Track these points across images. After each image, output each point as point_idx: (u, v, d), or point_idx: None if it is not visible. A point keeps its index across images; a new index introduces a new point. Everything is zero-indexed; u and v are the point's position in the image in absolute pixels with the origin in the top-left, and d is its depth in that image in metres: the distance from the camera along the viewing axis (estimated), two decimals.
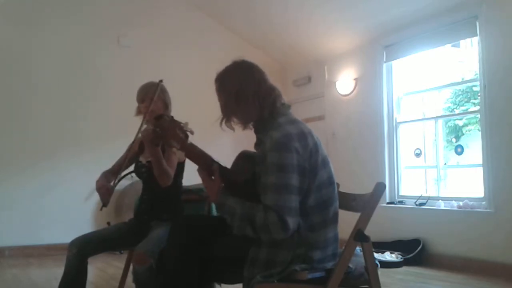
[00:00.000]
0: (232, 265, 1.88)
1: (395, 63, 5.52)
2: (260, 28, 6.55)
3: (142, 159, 2.71)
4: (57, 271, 2.67)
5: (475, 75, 4.86)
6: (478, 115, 4.66)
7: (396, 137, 5.49)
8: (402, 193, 5.42)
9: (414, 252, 4.73)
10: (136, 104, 2.72)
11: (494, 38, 4.32)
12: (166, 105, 2.69)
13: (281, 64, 7.08)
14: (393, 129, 5.50)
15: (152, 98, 2.57)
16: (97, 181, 2.56)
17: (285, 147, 1.70)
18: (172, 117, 1.98)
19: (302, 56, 6.66)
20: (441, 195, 5.06)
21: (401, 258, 4.66)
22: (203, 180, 1.90)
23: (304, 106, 6.56)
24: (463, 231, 4.48)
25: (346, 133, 6.03)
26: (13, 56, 5.73)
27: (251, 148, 1.98)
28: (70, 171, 5.79)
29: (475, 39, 4.59)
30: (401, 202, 5.27)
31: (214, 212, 2.78)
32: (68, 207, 5.74)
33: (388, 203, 5.32)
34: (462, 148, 6.78)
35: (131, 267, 2.58)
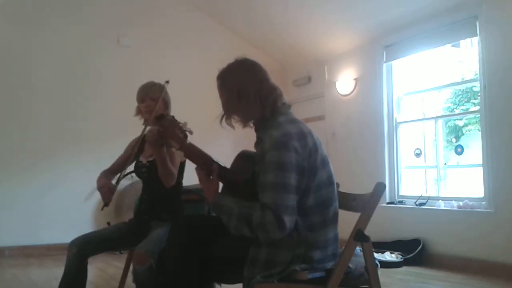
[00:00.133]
0: (232, 265, 1.88)
1: (395, 63, 5.52)
2: (260, 28, 6.55)
3: (143, 159, 2.71)
4: (57, 271, 2.67)
5: (475, 75, 4.86)
6: (478, 115, 4.66)
7: (396, 137, 5.49)
8: (402, 193, 5.42)
9: (414, 252, 4.73)
10: (136, 104, 2.72)
11: (494, 38, 4.32)
12: (166, 104, 2.69)
13: (281, 64, 7.08)
14: (393, 129, 5.50)
15: (159, 97, 2.58)
16: (98, 180, 2.56)
17: (285, 146, 1.70)
18: (173, 116, 1.99)
19: (302, 56, 6.66)
20: (441, 195, 5.06)
21: (401, 258, 4.66)
22: (200, 180, 1.90)
23: (304, 106, 6.56)
24: (463, 231, 4.48)
25: (346, 133, 6.03)
26: (13, 56, 5.73)
27: (250, 148, 1.98)
28: (70, 171, 5.80)
29: (475, 39, 4.59)
30: (401, 202, 5.27)
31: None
32: (68, 207, 5.74)
33: (388, 203, 5.32)
34: (462, 148, 6.78)
35: (131, 267, 2.58)
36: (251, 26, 6.59)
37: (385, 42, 5.49)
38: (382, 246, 4.98)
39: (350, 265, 1.82)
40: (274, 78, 1.97)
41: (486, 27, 4.37)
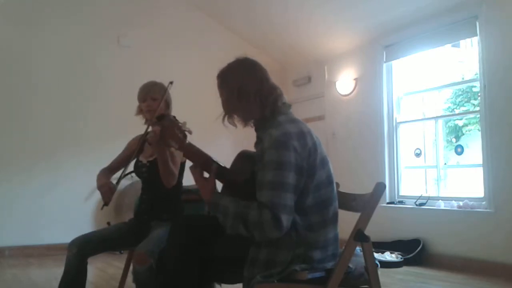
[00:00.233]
0: (232, 265, 1.88)
1: (395, 63, 5.52)
2: (260, 28, 6.55)
3: (143, 159, 2.71)
4: (57, 271, 2.67)
5: (475, 75, 4.85)
6: (478, 115, 4.66)
7: (396, 137, 5.49)
8: (402, 193, 5.42)
9: (414, 252, 4.73)
10: (136, 103, 2.72)
11: (494, 38, 4.32)
12: (167, 104, 2.69)
13: (281, 64, 7.08)
14: (393, 129, 5.50)
15: (160, 97, 2.58)
16: (98, 179, 2.56)
17: (284, 145, 1.70)
18: (174, 117, 1.99)
19: (302, 56, 6.66)
20: (441, 195, 5.06)
21: (401, 258, 4.66)
22: (195, 179, 1.90)
23: (304, 106, 6.56)
24: (463, 231, 4.48)
25: (346, 133, 6.03)
26: (13, 56, 5.73)
27: (250, 148, 1.98)
28: (70, 171, 5.80)
29: (475, 39, 4.59)
30: (401, 202, 5.27)
31: None
32: (68, 207, 5.74)
33: (388, 203, 5.32)
34: (462, 148, 6.78)
35: (131, 267, 2.58)
36: (251, 26, 6.59)
37: (385, 42, 5.49)
38: (382, 246, 4.98)
39: (350, 265, 1.82)
40: (274, 78, 1.97)
41: (486, 27, 4.37)
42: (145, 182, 2.74)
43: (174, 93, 2.76)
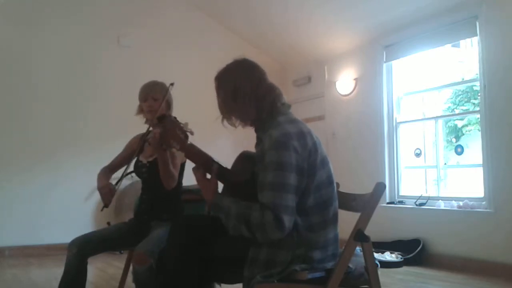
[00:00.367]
0: (232, 265, 1.88)
1: (395, 63, 5.52)
2: (260, 28, 6.55)
3: (143, 159, 2.71)
4: (57, 271, 2.67)
5: (475, 75, 4.85)
6: (478, 115, 4.66)
7: (396, 137, 5.49)
8: (402, 193, 5.42)
9: (414, 252, 4.73)
10: (136, 103, 2.72)
11: (494, 38, 4.32)
12: (168, 105, 2.69)
13: (281, 64, 7.08)
14: (393, 129, 5.50)
15: (160, 97, 2.58)
16: (99, 180, 2.56)
17: (284, 146, 1.70)
18: (175, 117, 1.98)
19: (302, 56, 6.66)
20: (441, 195, 5.06)
21: (401, 258, 4.66)
22: (197, 180, 1.90)
23: (304, 106, 6.56)
24: (463, 231, 4.48)
25: (346, 133, 6.03)
26: (13, 56, 5.73)
27: (251, 148, 1.98)
28: (70, 171, 5.80)
29: (475, 39, 4.59)
30: (401, 202, 5.27)
31: None
32: (68, 207, 5.74)
33: (388, 203, 5.32)
34: (462, 148, 6.77)
35: (131, 267, 2.58)
36: (251, 26, 6.59)
37: (385, 42, 5.49)
38: (382, 246, 4.98)
39: (350, 265, 1.82)
40: (274, 78, 1.97)
41: (486, 27, 4.37)
42: (145, 182, 2.74)
43: (174, 93, 2.76)
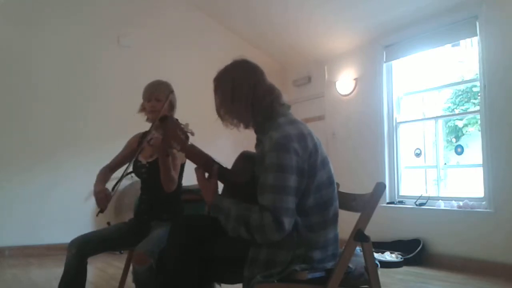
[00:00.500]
0: (232, 265, 1.88)
1: (395, 63, 5.52)
2: (260, 28, 6.54)
3: (142, 159, 2.71)
4: (57, 271, 2.67)
5: (475, 75, 4.85)
6: (478, 115, 4.66)
7: (396, 137, 5.49)
8: (402, 193, 5.42)
9: (414, 252, 4.73)
10: (136, 103, 2.72)
11: (494, 38, 4.32)
12: (172, 106, 2.69)
13: (281, 64, 7.08)
14: (393, 129, 5.50)
15: (164, 98, 2.58)
16: (96, 184, 2.56)
17: (284, 148, 1.70)
18: (177, 119, 1.98)
19: (302, 56, 6.66)
20: (441, 195, 5.06)
21: (401, 258, 4.66)
22: (198, 180, 1.90)
23: (304, 106, 6.56)
24: (463, 231, 4.48)
25: (346, 133, 6.03)
26: (13, 56, 5.74)
27: (251, 148, 1.98)
28: (70, 171, 5.80)
29: (475, 39, 4.59)
30: (401, 202, 5.27)
31: None
32: (68, 207, 5.74)
33: (388, 203, 5.32)
34: (462, 148, 6.76)
35: (131, 267, 2.58)
36: (251, 26, 6.59)
37: (385, 42, 5.49)
38: (382, 246, 4.98)
39: (350, 265, 1.82)
40: (274, 78, 1.97)
41: (486, 27, 4.37)
42: (144, 182, 2.74)
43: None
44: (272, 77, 1.97)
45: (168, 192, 2.51)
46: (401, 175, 5.47)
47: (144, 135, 2.79)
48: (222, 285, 2.29)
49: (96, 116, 6.01)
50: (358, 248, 1.85)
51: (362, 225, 1.78)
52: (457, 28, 4.70)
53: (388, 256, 4.71)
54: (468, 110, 8.10)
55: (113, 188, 2.56)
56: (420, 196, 5.06)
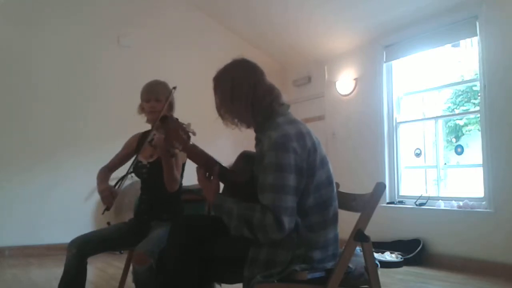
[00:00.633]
0: (232, 265, 1.88)
1: (395, 63, 5.52)
2: (260, 28, 6.54)
3: (142, 159, 2.71)
4: (57, 271, 2.67)
5: (475, 75, 4.85)
6: (478, 115, 4.66)
7: (396, 137, 5.49)
8: (402, 193, 5.42)
9: (414, 252, 4.73)
10: (136, 104, 2.72)
11: (494, 38, 4.32)
12: (171, 106, 2.68)
13: (281, 64, 7.08)
14: (393, 129, 5.50)
15: (163, 99, 2.57)
16: (99, 182, 2.55)
17: (283, 147, 1.70)
18: (177, 119, 1.98)
19: (302, 56, 6.66)
20: (441, 195, 5.06)
21: (401, 258, 4.66)
22: (199, 179, 1.90)
23: (304, 106, 6.56)
24: (463, 231, 4.48)
25: (346, 133, 6.03)
26: (13, 56, 5.74)
27: (251, 148, 1.98)
28: (70, 171, 5.80)
29: (475, 39, 4.59)
30: (401, 202, 5.27)
31: None
32: (68, 207, 5.74)
33: (388, 203, 5.32)
34: (462, 148, 6.76)
35: (131, 267, 2.58)
36: (251, 26, 6.59)
37: (385, 42, 5.49)
38: (382, 246, 4.98)
39: (350, 265, 1.82)
40: (274, 78, 1.97)
41: (486, 27, 4.37)
42: (144, 182, 2.74)
43: (174, 94, 2.75)
44: (272, 77, 1.97)
45: (171, 191, 2.51)
46: (401, 175, 5.47)
47: (143, 135, 2.79)
48: (222, 285, 2.29)
49: (96, 116, 6.01)
50: (358, 248, 1.85)
51: (362, 225, 1.78)
52: (457, 28, 4.70)
53: (388, 256, 4.71)
54: (468, 110, 8.10)
55: (115, 185, 2.56)
56: (420, 196, 5.06)
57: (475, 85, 5.33)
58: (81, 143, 5.90)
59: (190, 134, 1.93)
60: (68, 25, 5.97)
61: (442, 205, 4.78)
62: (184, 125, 1.94)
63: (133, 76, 5.77)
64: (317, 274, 1.77)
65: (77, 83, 5.96)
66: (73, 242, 2.43)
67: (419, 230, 4.89)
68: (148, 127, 2.79)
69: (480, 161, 4.50)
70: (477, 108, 5.08)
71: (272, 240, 1.70)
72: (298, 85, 6.86)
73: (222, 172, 1.90)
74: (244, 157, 1.98)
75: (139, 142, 2.76)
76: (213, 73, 1.98)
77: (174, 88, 2.61)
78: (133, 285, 2.39)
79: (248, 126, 1.93)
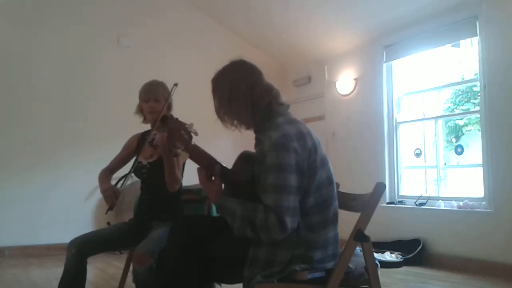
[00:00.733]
0: (232, 265, 1.88)
1: (395, 63, 5.52)
2: (260, 28, 6.54)
3: (142, 160, 2.71)
4: (57, 271, 2.67)
5: (475, 75, 4.85)
6: (478, 115, 4.66)
7: (396, 137, 5.49)
8: (402, 193, 5.42)
9: (414, 252, 4.73)
10: (137, 102, 2.71)
11: (494, 38, 4.32)
12: (169, 106, 2.68)
13: (281, 64, 7.08)
14: (393, 129, 5.50)
15: (162, 99, 2.57)
16: (101, 183, 2.55)
17: (284, 147, 1.70)
18: (177, 118, 1.98)
19: (302, 56, 6.66)
20: (441, 195, 5.06)
21: (401, 258, 4.66)
22: (201, 180, 1.90)
23: (304, 106, 6.56)
24: (463, 231, 4.48)
25: (346, 133, 6.03)
26: (13, 56, 5.74)
27: (251, 148, 1.98)
28: (70, 171, 5.80)
29: (475, 39, 4.59)
30: (401, 202, 5.27)
31: (214, 212, 2.78)
32: (68, 207, 5.74)
33: (388, 203, 5.32)
34: (462, 148, 6.76)
35: (131, 267, 2.58)
36: (251, 26, 6.59)
37: (385, 42, 5.49)
38: (382, 246, 4.98)
39: (350, 265, 1.82)
40: (274, 78, 1.97)
41: (486, 27, 4.37)
42: (144, 182, 2.74)
43: (174, 93, 2.75)
44: (272, 77, 1.97)
45: (172, 191, 2.51)
46: (401, 175, 5.47)
47: (143, 135, 2.79)
48: (222, 285, 2.29)
49: (96, 116, 6.01)
50: (358, 248, 1.85)
51: (362, 225, 1.78)
52: (457, 28, 4.70)
53: (388, 256, 4.71)
54: (468, 110, 8.10)
55: (116, 184, 2.56)
56: (420, 196, 5.06)
57: (475, 85, 5.33)
58: (81, 143, 5.90)
59: (192, 134, 1.93)
60: (68, 25, 5.97)
61: (442, 205, 4.79)
62: (186, 125, 1.94)
63: (133, 76, 5.76)
64: (317, 274, 1.77)
65: (77, 83, 5.96)
66: (73, 242, 2.43)
67: (419, 230, 4.89)
68: (146, 127, 2.79)
69: (480, 161, 4.50)
70: (477, 108, 5.09)
71: (274, 240, 1.70)
72: (298, 85, 6.86)
73: (223, 172, 1.90)
74: (244, 157, 1.98)
75: (139, 143, 2.76)
76: (213, 73, 1.98)
77: (176, 84, 2.60)
78: (133, 285, 2.39)
79: (248, 127, 1.93)
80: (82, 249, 2.40)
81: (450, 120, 8.68)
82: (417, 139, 5.95)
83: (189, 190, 2.93)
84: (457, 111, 8.56)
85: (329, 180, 1.83)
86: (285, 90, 6.57)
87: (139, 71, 5.63)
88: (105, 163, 2.77)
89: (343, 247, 1.78)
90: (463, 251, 4.46)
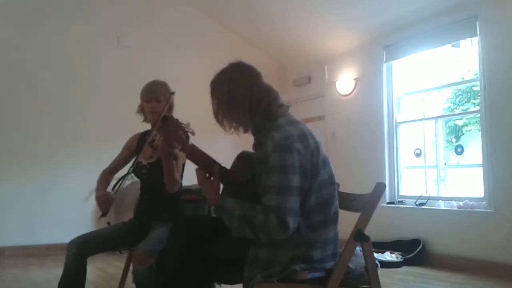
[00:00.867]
0: (232, 265, 1.88)
1: (395, 63, 5.52)
2: (260, 28, 6.54)
3: (142, 160, 2.70)
4: (57, 271, 2.67)
5: (475, 75, 4.85)
6: (478, 115, 4.66)
7: (396, 137, 5.49)
8: (402, 193, 5.42)
9: (414, 252, 4.73)
10: (136, 103, 2.72)
11: (494, 38, 4.32)
12: (170, 107, 2.68)
13: (281, 64, 7.08)
14: (393, 129, 5.50)
15: (164, 99, 2.57)
16: (97, 188, 2.56)
17: (287, 148, 1.70)
18: (177, 119, 1.98)
19: (302, 56, 6.66)
20: (441, 195, 5.06)
21: (401, 258, 4.66)
22: (199, 181, 1.89)
23: (304, 106, 6.56)
24: (463, 231, 4.48)
25: (346, 133, 6.03)
26: (13, 56, 5.73)
27: (250, 149, 1.98)
28: (70, 171, 5.80)
29: (475, 39, 4.59)
30: (401, 202, 5.27)
31: None
32: (68, 207, 5.74)
33: (388, 203, 5.32)
34: (462, 148, 6.76)
35: (131, 267, 2.58)
36: (251, 26, 6.59)
37: (385, 42, 5.49)
38: (382, 246, 4.98)
39: (350, 265, 1.82)
40: (274, 78, 1.97)
41: (486, 27, 4.37)
42: (144, 183, 2.74)
43: (173, 98, 2.75)
44: (272, 77, 1.97)
45: (171, 193, 2.51)
46: (401, 175, 5.47)
47: (143, 135, 2.79)
48: (222, 285, 2.29)
49: (96, 116, 6.01)
50: (358, 248, 1.85)
51: (362, 225, 1.78)
52: (457, 28, 4.70)
53: (388, 256, 4.71)
54: (468, 110, 8.10)
55: (114, 186, 2.56)
56: (420, 196, 5.06)
57: (475, 85, 5.33)
58: (81, 143, 5.90)
59: (189, 134, 1.93)
60: (68, 25, 5.97)
61: (442, 205, 4.79)
62: (183, 125, 1.94)
63: (133, 76, 5.77)
64: (317, 274, 1.77)
65: (77, 83, 5.96)
66: (73, 242, 2.43)
67: (419, 230, 4.89)
68: (146, 127, 2.79)
69: (480, 161, 4.50)
70: (477, 108, 5.08)
71: (275, 240, 1.70)
72: (298, 85, 6.85)
73: (222, 173, 1.90)
74: (243, 157, 1.98)
75: (139, 143, 2.76)
76: (212, 73, 1.97)
77: (173, 93, 2.61)
78: (133, 285, 2.39)
79: (246, 130, 1.92)
80: (82, 249, 2.40)
81: (450, 120, 8.68)
82: (417, 139, 5.95)
83: (189, 190, 2.94)
84: (457, 111, 8.56)
85: (331, 180, 1.83)
86: (285, 90, 6.56)
87: (139, 71, 5.64)
88: (105, 163, 2.77)
89: (343, 247, 1.78)
90: (463, 251, 4.46)
